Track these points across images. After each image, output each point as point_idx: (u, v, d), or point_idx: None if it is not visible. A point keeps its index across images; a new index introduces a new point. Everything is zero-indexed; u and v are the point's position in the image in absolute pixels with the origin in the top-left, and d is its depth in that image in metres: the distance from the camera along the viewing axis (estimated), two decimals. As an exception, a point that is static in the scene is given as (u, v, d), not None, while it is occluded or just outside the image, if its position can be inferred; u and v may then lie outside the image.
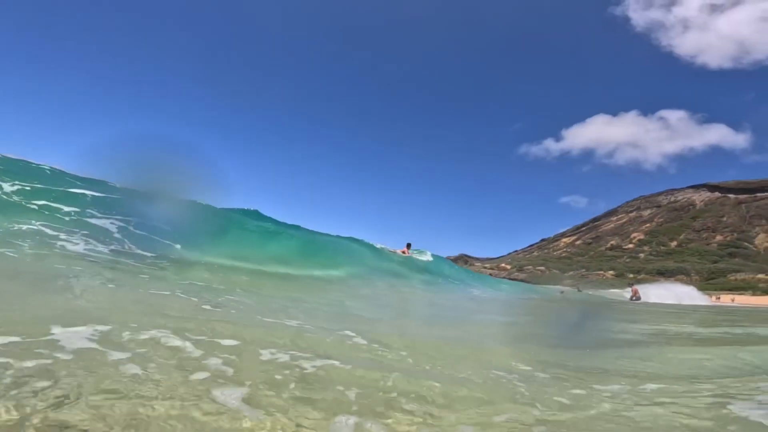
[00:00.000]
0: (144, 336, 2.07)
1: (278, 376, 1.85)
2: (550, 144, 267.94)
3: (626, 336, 5.23)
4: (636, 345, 4.43)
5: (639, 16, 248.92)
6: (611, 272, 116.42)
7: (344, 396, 1.70)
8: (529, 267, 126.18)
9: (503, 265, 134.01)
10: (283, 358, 2.10)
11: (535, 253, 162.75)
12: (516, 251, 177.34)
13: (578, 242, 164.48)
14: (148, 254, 5.71)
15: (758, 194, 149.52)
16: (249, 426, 1.36)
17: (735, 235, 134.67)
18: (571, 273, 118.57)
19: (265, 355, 2.13)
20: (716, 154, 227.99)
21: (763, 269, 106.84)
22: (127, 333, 2.07)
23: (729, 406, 1.86)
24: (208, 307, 3.33)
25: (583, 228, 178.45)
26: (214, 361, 1.89)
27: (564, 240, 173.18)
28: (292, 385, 1.76)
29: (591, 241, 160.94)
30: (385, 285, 9.25)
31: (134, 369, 1.66)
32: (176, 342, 2.07)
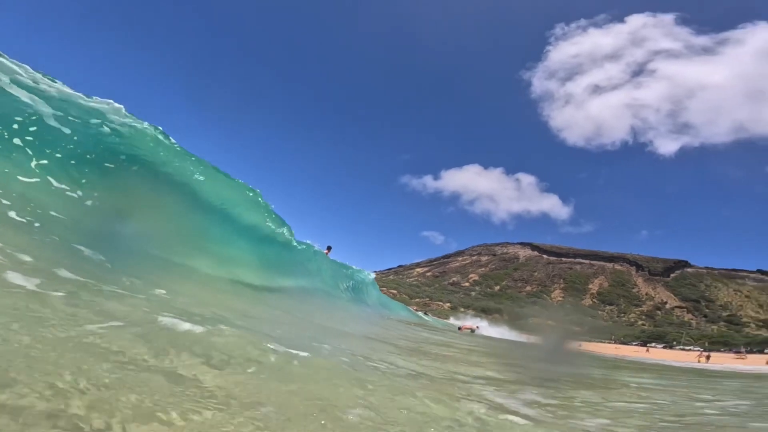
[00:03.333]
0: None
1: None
2: (428, 180, 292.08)
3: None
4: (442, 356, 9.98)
5: (539, 84, 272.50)
6: (448, 304, 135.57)
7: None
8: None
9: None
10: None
11: (392, 277, 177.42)
12: (375, 272, 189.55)
13: (429, 274, 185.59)
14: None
15: (563, 258, 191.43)
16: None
17: (539, 287, 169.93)
18: (417, 300, 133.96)
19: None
20: (544, 219, 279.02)
21: (551, 318, 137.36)
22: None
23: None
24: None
25: (435, 262, 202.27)
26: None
27: (418, 269, 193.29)
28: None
29: (439, 274, 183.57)
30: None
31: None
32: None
